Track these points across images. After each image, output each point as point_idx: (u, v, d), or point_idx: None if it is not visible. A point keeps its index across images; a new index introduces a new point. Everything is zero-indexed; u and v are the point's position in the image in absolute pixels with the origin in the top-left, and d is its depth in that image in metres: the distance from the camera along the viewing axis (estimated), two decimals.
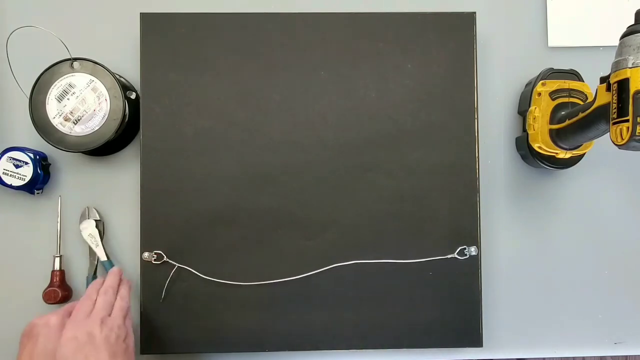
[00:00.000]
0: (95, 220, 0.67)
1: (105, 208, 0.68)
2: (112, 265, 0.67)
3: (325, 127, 0.66)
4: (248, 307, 0.65)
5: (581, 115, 0.56)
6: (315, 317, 0.65)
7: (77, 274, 0.68)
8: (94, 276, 0.67)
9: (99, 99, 0.63)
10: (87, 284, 0.66)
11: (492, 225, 0.70)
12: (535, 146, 0.64)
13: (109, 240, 0.68)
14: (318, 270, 0.65)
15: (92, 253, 0.67)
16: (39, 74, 0.62)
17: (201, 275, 0.64)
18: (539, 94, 0.64)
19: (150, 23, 0.66)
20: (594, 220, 0.70)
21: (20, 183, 0.65)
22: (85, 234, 0.66)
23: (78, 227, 0.67)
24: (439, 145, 0.66)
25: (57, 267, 0.66)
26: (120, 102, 0.63)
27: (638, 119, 0.46)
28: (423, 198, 0.66)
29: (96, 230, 0.66)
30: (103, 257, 0.66)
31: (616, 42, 0.50)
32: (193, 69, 0.66)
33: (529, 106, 0.65)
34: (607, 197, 0.71)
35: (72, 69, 0.63)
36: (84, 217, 0.67)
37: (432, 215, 0.66)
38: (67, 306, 0.59)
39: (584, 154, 0.65)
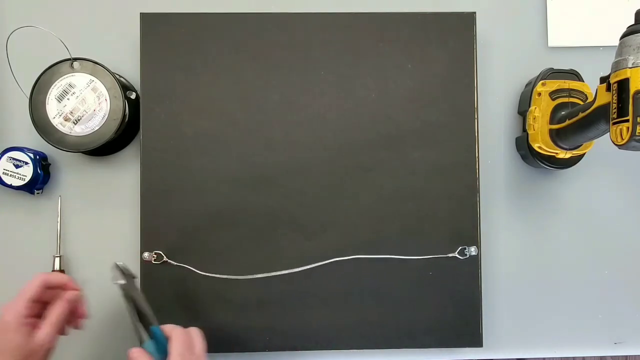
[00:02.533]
0: (132, 278, 0.57)
1: (105, 208, 0.68)
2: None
3: (325, 127, 0.66)
4: (248, 307, 0.65)
5: (581, 115, 0.56)
6: (315, 317, 0.65)
7: (77, 274, 0.68)
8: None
9: (99, 99, 0.63)
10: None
11: (492, 225, 0.70)
12: (535, 146, 0.64)
13: (109, 240, 0.68)
14: (317, 264, 0.65)
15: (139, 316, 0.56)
16: (39, 74, 0.62)
17: (200, 272, 0.64)
18: (539, 94, 0.64)
19: (150, 23, 0.66)
20: (594, 220, 0.70)
21: (20, 183, 0.65)
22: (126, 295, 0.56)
23: (78, 229, 0.67)
24: (439, 145, 0.66)
25: (57, 267, 0.66)
26: (120, 102, 0.63)
27: (638, 119, 0.46)
28: (423, 198, 0.66)
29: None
30: (155, 323, 0.56)
31: (616, 42, 0.50)
32: (193, 69, 0.66)
33: (529, 106, 0.65)
34: (607, 197, 0.71)
35: (72, 69, 0.63)
36: (117, 274, 0.57)
37: (432, 215, 0.66)
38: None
39: (584, 154, 0.65)
